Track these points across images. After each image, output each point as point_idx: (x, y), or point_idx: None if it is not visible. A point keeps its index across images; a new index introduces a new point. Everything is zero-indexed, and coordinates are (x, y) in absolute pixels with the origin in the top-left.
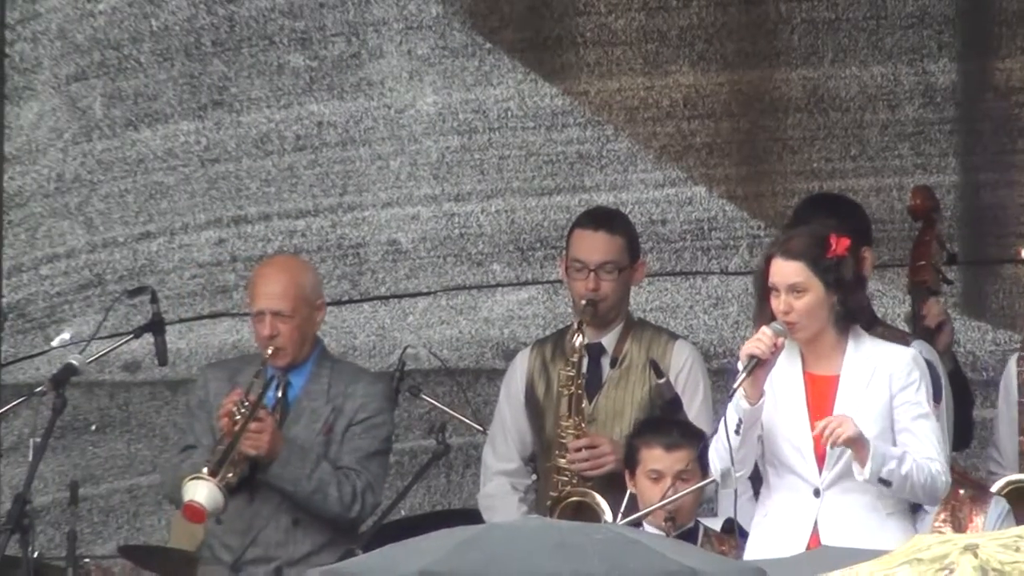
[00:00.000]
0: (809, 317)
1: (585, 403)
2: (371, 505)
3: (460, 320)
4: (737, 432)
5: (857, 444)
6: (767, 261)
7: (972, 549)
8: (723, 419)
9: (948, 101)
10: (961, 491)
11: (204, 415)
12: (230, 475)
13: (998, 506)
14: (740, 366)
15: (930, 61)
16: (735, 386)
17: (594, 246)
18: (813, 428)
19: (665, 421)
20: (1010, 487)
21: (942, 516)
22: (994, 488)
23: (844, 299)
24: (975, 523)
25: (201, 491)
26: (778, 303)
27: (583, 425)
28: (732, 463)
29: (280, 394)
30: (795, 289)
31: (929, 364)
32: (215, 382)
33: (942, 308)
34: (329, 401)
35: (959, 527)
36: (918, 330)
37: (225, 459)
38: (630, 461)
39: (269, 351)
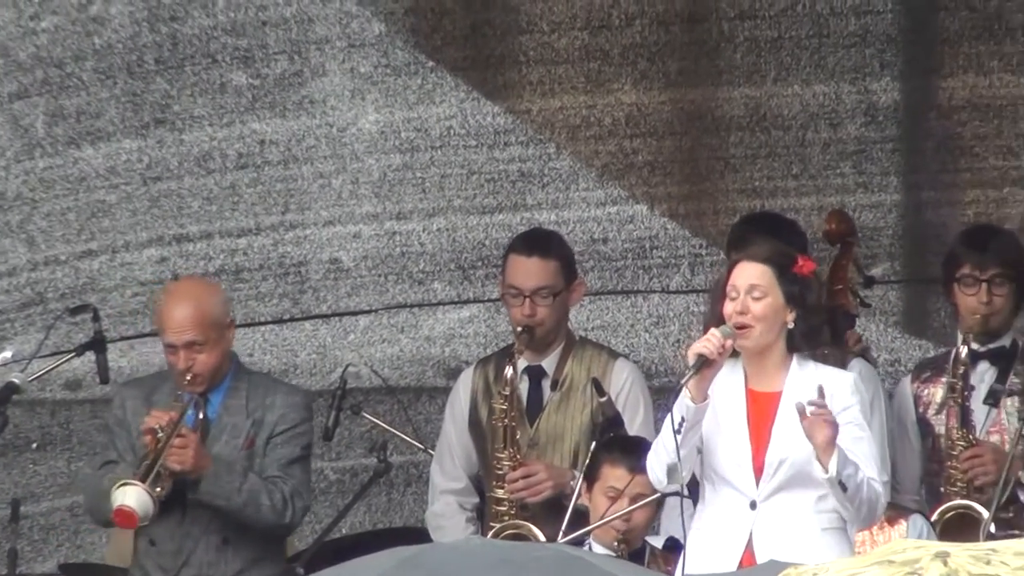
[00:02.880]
0: (763, 322)
1: (520, 433)
2: (301, 509)
3: (401, 338)
4: (679, 431)
5: (831, 440)
6: (731, 267)
7: (943, 557)
8: (668, 417)
9: (890, 120)
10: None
11: (124, 433)
12: (158, 489)
13: (916, 525)
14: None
15: (872, 80)
16: (681, 383)
17: (528, 272)
18: (752, 445)
19: (633, 441)
20: (951, 512)
21: (860, 538)
22: (939, 510)
23: (801, 319)
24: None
25: (131, 495)
26: (734, 304)
27: (518, 456)
28: (678, 458)
29: (200, 415)
30: (755, 291)
31: (869, 379)
32: (132, 400)
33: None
34: (249, 415)
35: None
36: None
37: (150, 471)
38: (591, 473)
39: (187, 380)
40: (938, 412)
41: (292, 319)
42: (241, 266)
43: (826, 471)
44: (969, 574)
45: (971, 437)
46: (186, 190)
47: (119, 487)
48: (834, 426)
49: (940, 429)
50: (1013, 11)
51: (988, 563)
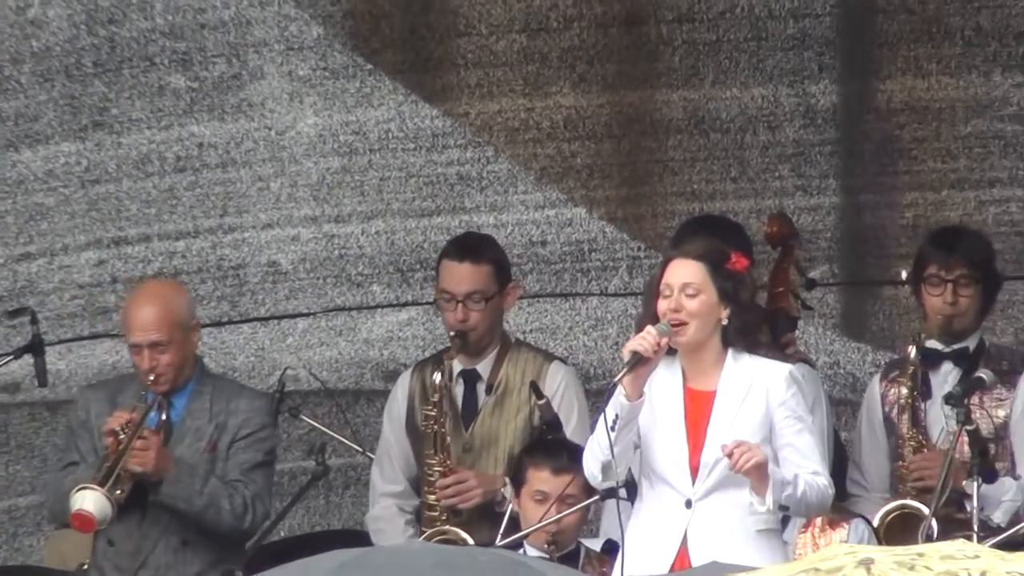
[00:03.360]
0: (698, 318)
1: (452, 438)
2: (261, 515)
3: (340, 341)
4: (613, 428)
5: (761, 473)
6: (664, 265)
7: (867, 564)
8: (602, 414)
9: (829, 122)
10: (819, 516)
11: (87, 435)
12: (118, 491)
13: (857, 530)
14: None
15: (811, 83)
16: (615, 380)
17: (460, 277)
18: (689, 443)
19: (556, 443)
20: (896, 511)
21: (801, 541)
22: (880, 512)
23: (735, 316)
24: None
25: (89, 500)
26: (668, 302)
27: (448, 462)
28: (612, 455)
29: (163, 416)
30: (689, 288)
31: (811, 382)
32: (96, 403)
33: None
34: (212, 419)
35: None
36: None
37: (111, 474)
38: (517, 479)
39: (151, 379)
40: (898, 412)
41: (230, 322)
42: (179, 269)
43: (763, 503)
44: None
45: (921, 438)
46: (124, 193)
47: (78, 491)
48: (761, 461)
49: (904, 429)
50: (951, 14)
51: (912, 568)
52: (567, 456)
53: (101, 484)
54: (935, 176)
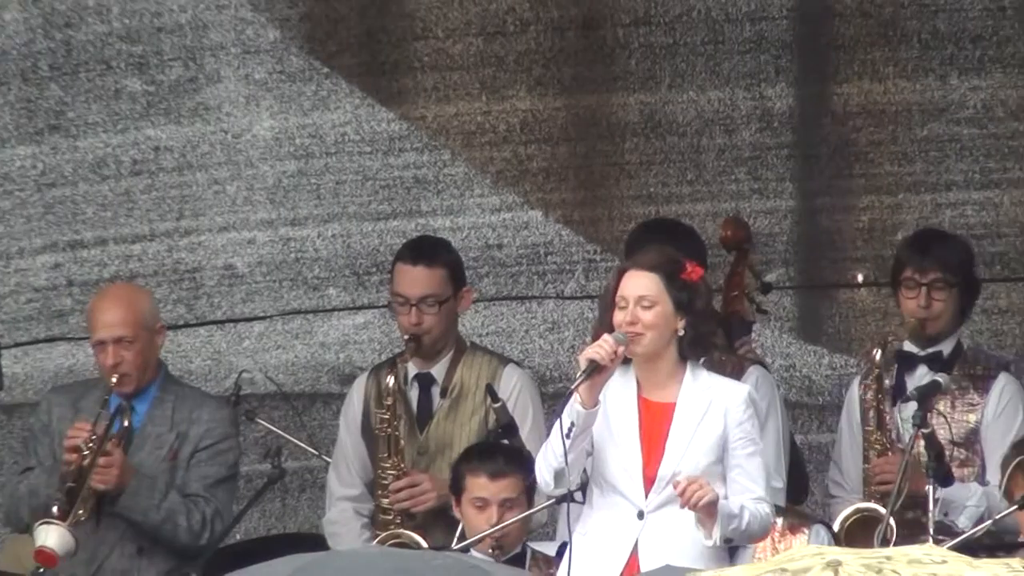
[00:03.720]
0: (654, 330)
1: (407, 442)
2: (220, 532)
3: (296, 344)
4: (568, 435)
5: (711, 509)
6: (619, 275)
7: (835, 566)
8: (558, 421)
9: (785, 126)
10: (779, 521)
11: (47, 439)
12: (80, 512)
13: (818, 535)
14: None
15: (767, 86)
16: (572, 388)
17: (414, 280)
18: (643, 453)
19: (491, 448)
20: (856, 515)
21: (761, 547)
22: (840, 517)
23: (692, 326)
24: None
25: (52, 537)
26: (624, 314)
27: (402, 465)
28: (566, 463)
29: (125, 423)
30: (644, 300)
31: (766, 386)
32: (59, 407)
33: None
34: (173, 427)
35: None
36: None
37: (75, 498)
38: (455, 488)
39: (114, 379)
40: (863, 414)
41: (187, 325)
42: (136, 272)
43: (710, 537)
44: None
45: (885, 441)
46: (80, 196)
47: (41, 525)
48: (712, 500)
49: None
50: (907, 17)
51: (879, 572)
52: (503, 460)
53: (63, 516)
54: (891, 179)
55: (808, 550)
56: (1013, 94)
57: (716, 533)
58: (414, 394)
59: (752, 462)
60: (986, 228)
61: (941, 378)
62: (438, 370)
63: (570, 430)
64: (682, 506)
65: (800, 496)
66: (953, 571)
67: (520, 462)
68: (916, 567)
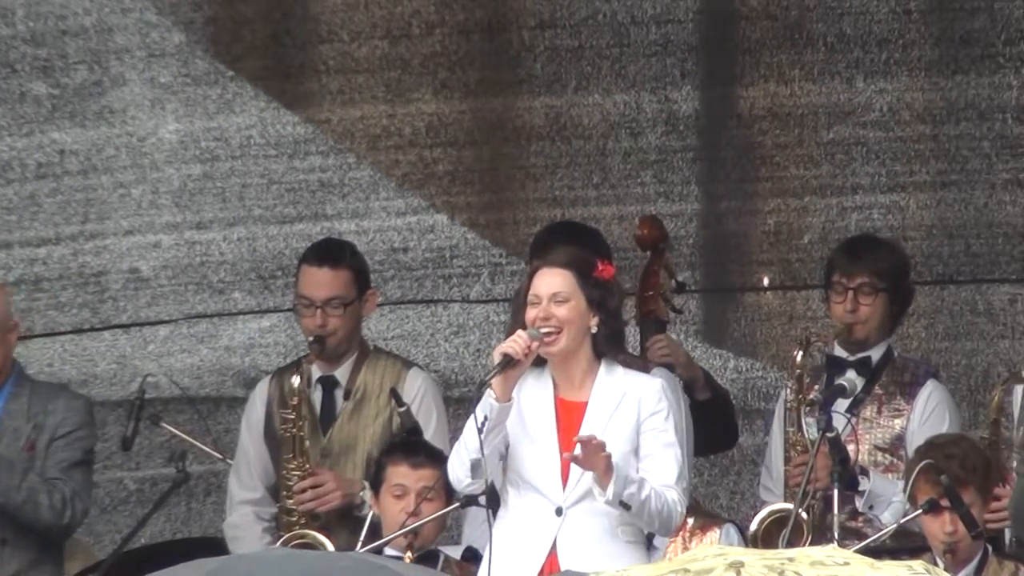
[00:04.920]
0: (568, 326)
1: (312, 443)
2: (81, 512)
3: (201, 348)
4: (482, 429)
5: (606, 464)
6: (531, 275)
7: (737, 567)
8: (472, 416)
9: (691, 129)
10: (690, 520)
11: None
12: None
13: (728, 534)
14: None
15: (673, 89)
16: (485, 379)
17: (319, 282)
18: (561, 451)
19: (414, 442)
20: (772, 516)
21: (671, 547)
22: (757, 517)
23: (604, 323)
24: None
25: None
26: (537, 311)
27: (307, 465)
28: (482, 454)
29: None
30: (558, 297)
31: (672, 389)
32: None
33: (667, 344)
34: (30, 419)
35: None
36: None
37: None
38: (376, 479)
39: None
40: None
41: (92, 329)
42: (40, 276)
43: (603, 494)
44: None
45: (806, 442)
46: None
47: None
48: (607, 455)
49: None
50: (814, 20)
51: (781, 573)
52: (424, 453)
53: None
54: (797, 183)
55: (711, 551)
56: (919, 97)
57: (610, 490)
58: (317, 396)
59: (665, 453)
60: (892, 231)
61: (847, 382)
62: (342, 373)
63: (483, 424)
64: (577, 462)
65: (731, 442)
66: (855, 573)
67: (440, 459)
68: (818, 569)
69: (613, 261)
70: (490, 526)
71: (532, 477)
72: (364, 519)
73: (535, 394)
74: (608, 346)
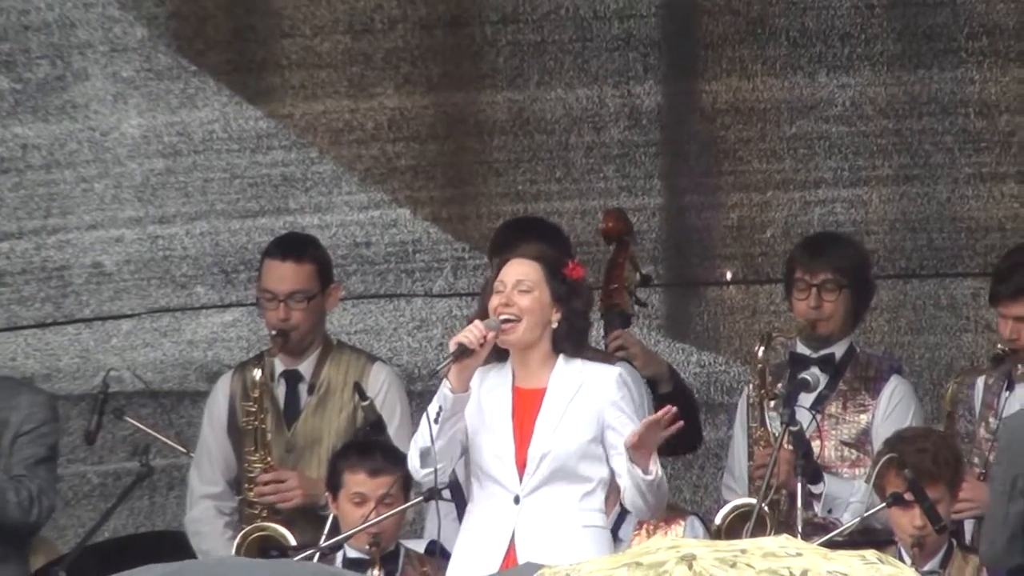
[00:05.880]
0: (529, 314)
1: (275, 437)
2: (47, 508)
3: (164, 342)
4: (436, 420)
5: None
6: (500, 266)
7: (689, 559)
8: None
9: (653, 123)
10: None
11: None
12: None
13: (692, 527)
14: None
15: (636, 83)
16: (438, 368)
17: (282, 276)
18: (516, 439)
19: (370, 444)
20: (736, 510)
21: (636, 540)
22: (721, 512)
23: (566, 320)
24: None
25: None
26: (500, 297)
27: (269, 459)
28: (432, 443)
29: None
30: (522, 286)
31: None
32: None
33: (624, 340)
34: None
35: None
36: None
37: None
38: (333, 483)
39: None
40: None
41: (55, 323)
42: (3, 270)
43: (648, 473)
44: None
45: (768, 437)
46: None
47: None
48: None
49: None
50: (776, 15)
51: (734, 565)
52: (381, 457)
53: None
54: (760, 177)
55: (663, 543)
56: (882, 91)
57: (654, 466)
58: (281, 391)
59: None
60: (855, 226)
61: (810, 376)
62: (305, 367)
63: (438, 414)
64: (634, 450)
65: (693, 445)
66: (808, 563)
67: (397, 460)
68: (771, 560)
69: (575, 256)
70: (437, 534)
71: (490, 467)
72: (327, 517)
73: (495, 386)
74: (567, 344)
